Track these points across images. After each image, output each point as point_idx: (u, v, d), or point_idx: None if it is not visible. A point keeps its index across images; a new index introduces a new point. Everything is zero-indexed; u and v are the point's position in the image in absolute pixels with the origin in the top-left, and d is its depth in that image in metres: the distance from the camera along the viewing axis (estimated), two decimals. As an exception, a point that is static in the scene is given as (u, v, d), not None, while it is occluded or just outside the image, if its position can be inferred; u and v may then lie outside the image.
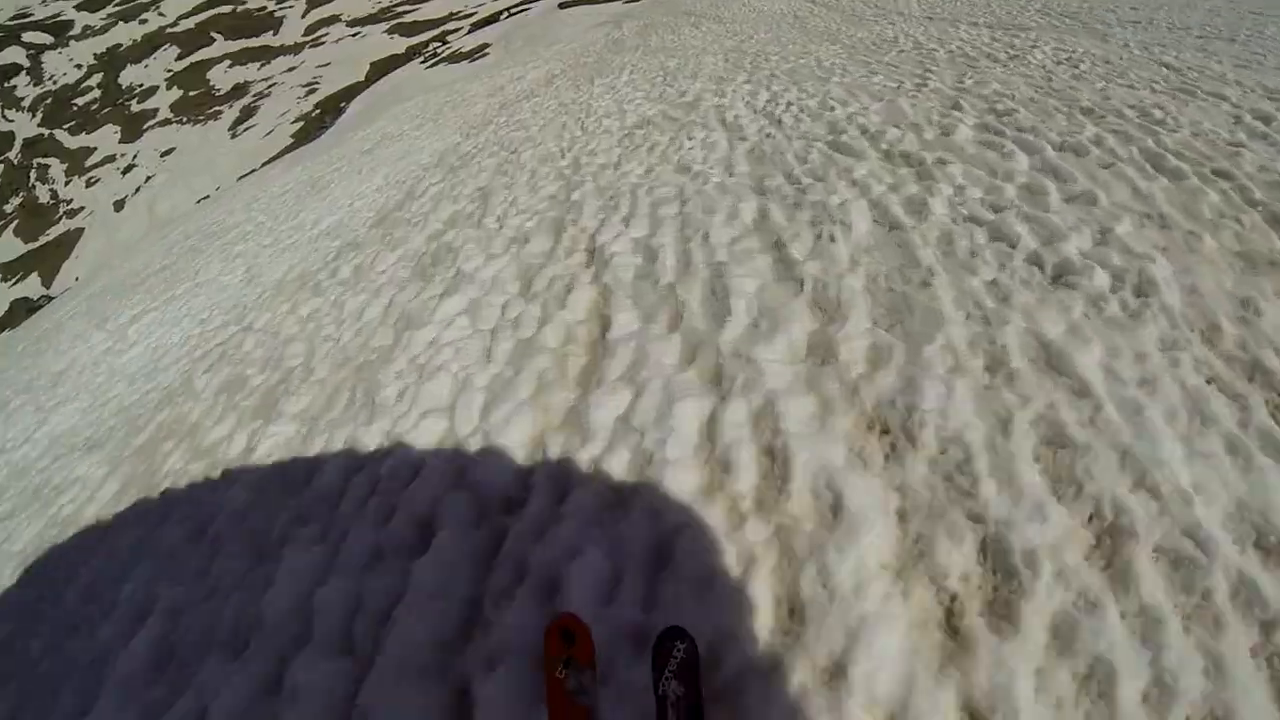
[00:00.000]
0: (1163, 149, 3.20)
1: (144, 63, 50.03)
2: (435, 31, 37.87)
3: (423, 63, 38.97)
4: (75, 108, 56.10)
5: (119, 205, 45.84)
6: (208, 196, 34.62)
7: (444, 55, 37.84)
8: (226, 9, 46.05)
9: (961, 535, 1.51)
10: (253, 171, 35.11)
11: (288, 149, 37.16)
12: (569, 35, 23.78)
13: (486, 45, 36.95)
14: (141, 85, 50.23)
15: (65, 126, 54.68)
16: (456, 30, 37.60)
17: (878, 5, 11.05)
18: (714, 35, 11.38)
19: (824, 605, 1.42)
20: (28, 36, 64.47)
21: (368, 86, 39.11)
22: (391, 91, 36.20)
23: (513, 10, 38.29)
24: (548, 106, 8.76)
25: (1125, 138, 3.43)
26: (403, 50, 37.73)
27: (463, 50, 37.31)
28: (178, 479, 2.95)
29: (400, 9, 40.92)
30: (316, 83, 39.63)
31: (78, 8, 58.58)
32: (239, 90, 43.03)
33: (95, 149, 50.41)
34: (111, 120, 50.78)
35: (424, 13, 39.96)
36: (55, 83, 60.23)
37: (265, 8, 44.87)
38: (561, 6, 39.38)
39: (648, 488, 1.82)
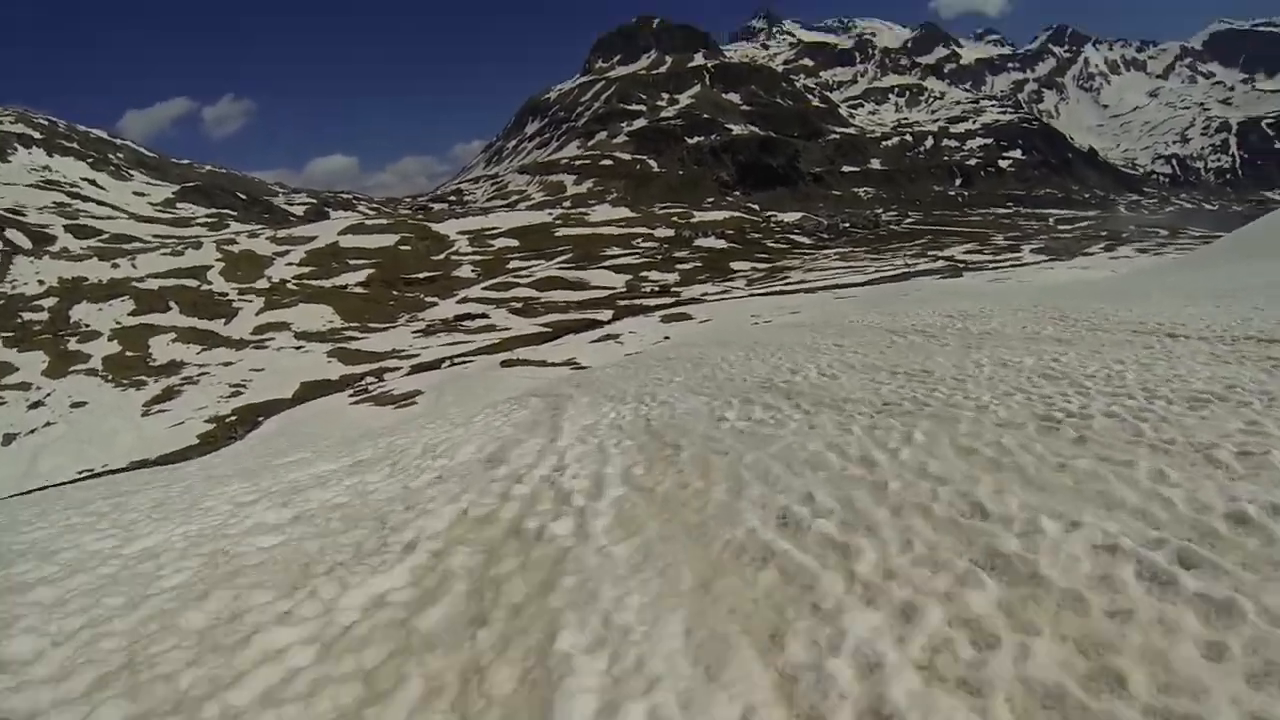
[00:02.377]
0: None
1: (100, 305, 51.14)
2: (373, 366, 39.30)
3: (350, 395, 39.95)
4: (19, 320, 56.28)
5: (8, 439, 43.70)
6: (88, 472, 32.57)
7: (374, 393, 38.92)
8: (193, 283, 48.19)
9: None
10: (144, 462, 33.70)
11: (189, 449, 36.32)
12: (502, 395, 14.84)
13: (419, 392, 38.19)
14: (87, 326, 50.81)
15: (1, 335, 54.31)
16: (396, 369, 39.07)
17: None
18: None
19: None
20: (10, 234, 66.89)
21: (293, 405, 39.57)
22: (309, 420, 36.47)
23: (455, 360, 40.28)
24: None
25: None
26: (336, 377, 38.75)
27: (393, 393, 38.45)
28: None
29: (348, 334, 43.00)
30: (244, 386, 40.06)
31: (67, 228, 61.58)
32: (171, 368, 43.33)
33: (17, 370, 49.46)
34: (45, 348, 50.53)
35: (369, 343, 41.91)
36: (14, 288, 61.16)
37: (228, 295, 47.03)
38: (504, 365, 41.70)
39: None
